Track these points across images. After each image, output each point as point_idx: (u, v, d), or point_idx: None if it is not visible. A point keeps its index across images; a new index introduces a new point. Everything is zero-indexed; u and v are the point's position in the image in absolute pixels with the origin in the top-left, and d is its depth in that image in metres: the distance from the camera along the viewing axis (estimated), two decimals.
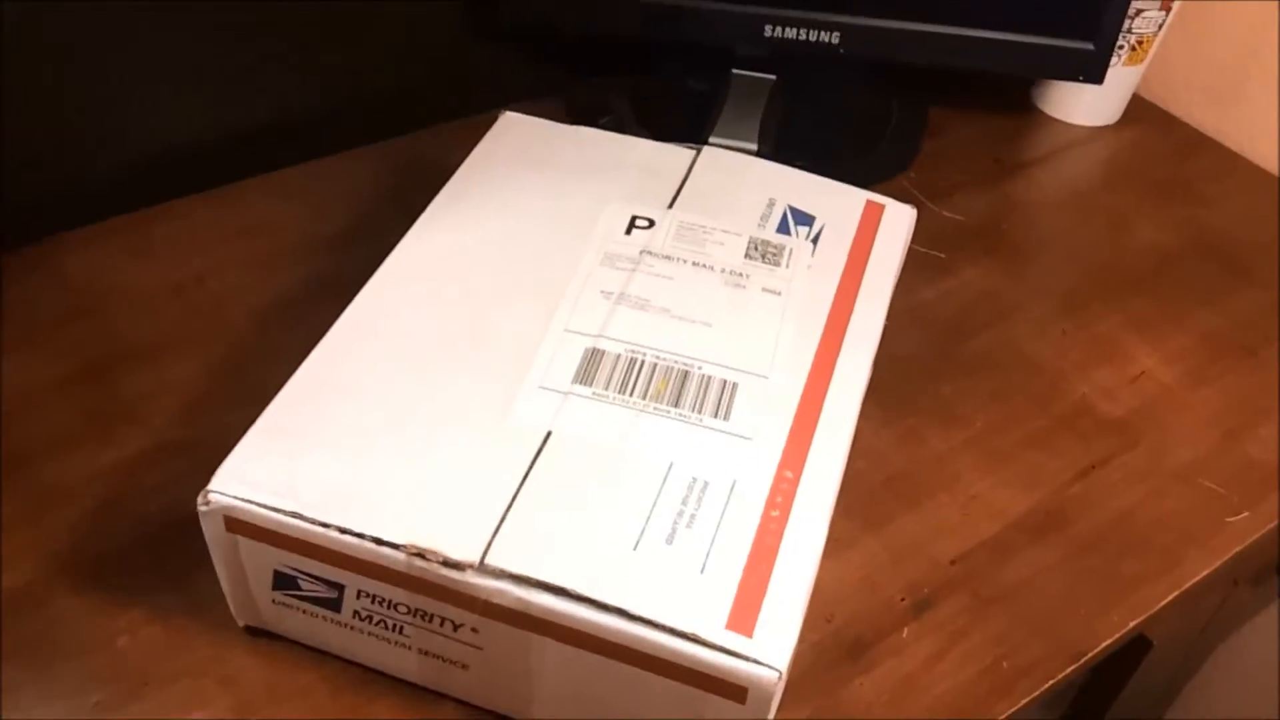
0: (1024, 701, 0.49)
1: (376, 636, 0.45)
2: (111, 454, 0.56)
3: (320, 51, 0.73)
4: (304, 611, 0.45)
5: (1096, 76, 0.71)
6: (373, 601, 0.43)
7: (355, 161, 0.74)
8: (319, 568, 0.43)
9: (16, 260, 0.65)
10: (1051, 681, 0.50)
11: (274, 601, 0.46)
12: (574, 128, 0.61)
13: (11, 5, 0.60)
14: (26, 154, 0.66)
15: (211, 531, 0.44)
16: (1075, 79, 0.72)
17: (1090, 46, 0.70)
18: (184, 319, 0.63)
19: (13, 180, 0.66)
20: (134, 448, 0.56)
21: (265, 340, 0.62)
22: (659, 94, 0.81)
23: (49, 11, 0.62)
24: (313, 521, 0.42)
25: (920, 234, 0.72)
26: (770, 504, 0.44)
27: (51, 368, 0.59)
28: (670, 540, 0.42)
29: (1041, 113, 0.85)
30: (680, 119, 0.77)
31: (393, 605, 0.43)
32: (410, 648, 0.45)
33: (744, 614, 0.40)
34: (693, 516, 0.43)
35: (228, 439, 0.44)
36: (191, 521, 0.43)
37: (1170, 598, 0.54)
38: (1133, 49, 0.79)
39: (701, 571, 0.41)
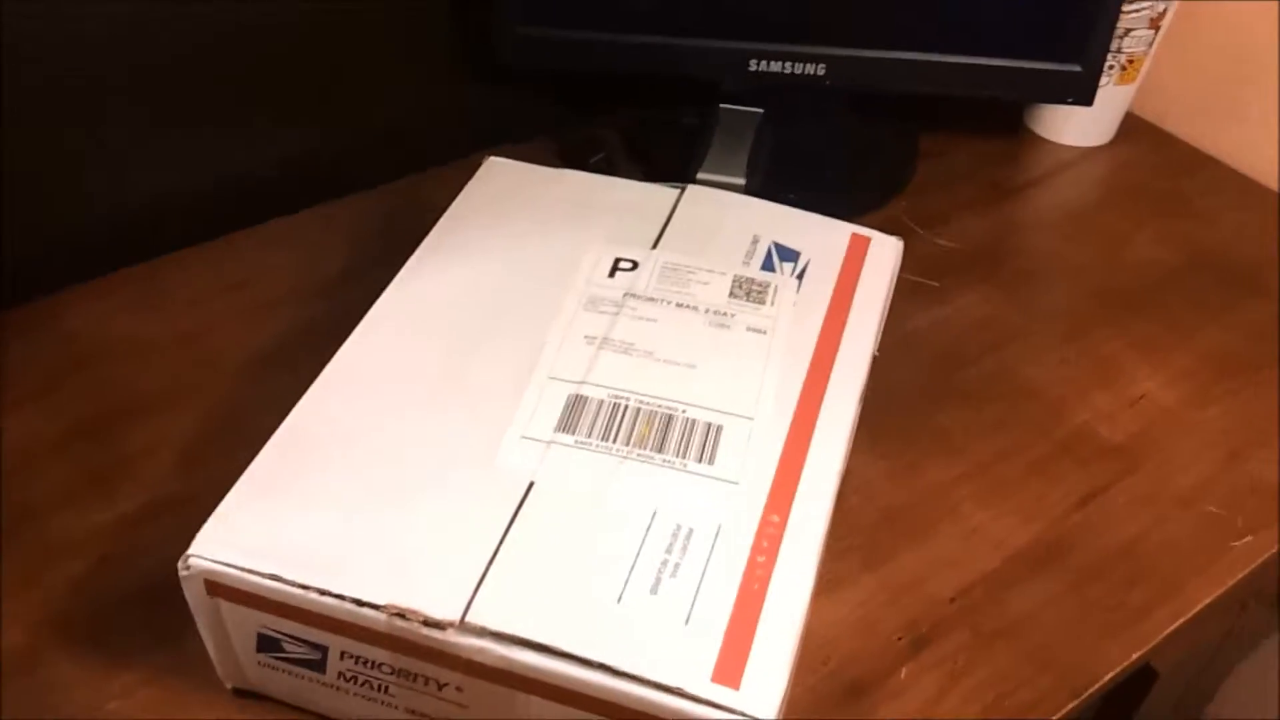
0: None
1: (363, 697, 0.44)
2: (108, 511, 0.55)
3: (312, 100, 0.74)
4: (289, 673, 0.45)
5: (1086, 98, 0.71)
6: (356, 662, 0.43)
7: (349, 208, 0.75)
8: (301, 629, 0.43)
9: (17, 316, 0.65)
10: (1055, 717, 0.49)
11: (259, 663, 0.45)
12: (558, 170, 0.61)
13: (8, 64, 0.61)
14: (26, 211, 0.66)
15: (193, 595, 0.43)
16: (1065, 101, 0.71)
17: (1078, 69, 0.69)
18: (182, 372, 0.63)
19: (13, 237, 0.66)
20: (131, 504, 0.56)
21: (262, 391, 0.62)
22: (650, 130, 0.81)
23: (47, 70, 0.63)
24: (292, 584, 0.41)
25: (913, 262, 0.71)
26: (756, 549, 0.43)
27: (51, 424, 0.59)
28: (655, 590, 0.41)
29: (1034, 134, 0.84)
30: (671, 154, 0.77)
31: (376, 665, 0.43)
32: (397, 707, 0.44)
33: (730, 665, 0.40)
34: (677, 565, 0.42)
35: (222, 494, 0.44)
36: None
37: (1175, 626, 0.53)
38: (1123, 68, 0.79)
39: (686, 622, 0.41)
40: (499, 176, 0.61)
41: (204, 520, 0.43)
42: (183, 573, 0.42)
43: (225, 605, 0.43)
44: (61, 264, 0.68)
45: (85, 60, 0.64)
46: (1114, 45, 0.77)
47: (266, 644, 0.44)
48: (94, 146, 0.67)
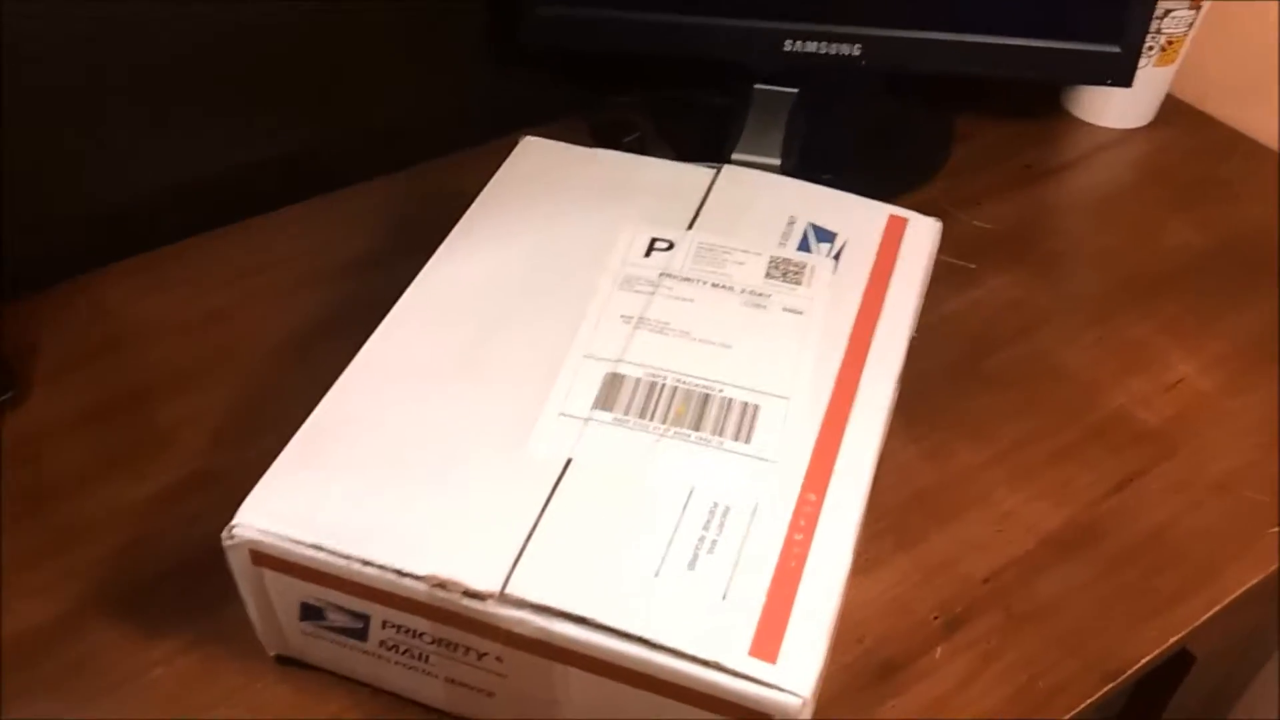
0: None
1: (403, 665, 0.45)
2: (142, 487, 0.56)
3: (340, 82, 0.74)
4: (331, 641, 0.46)
5: (1125, 79, 0.70)
6: (398, 631, 0.44)
7: (378, 191, 0.75)
8: (344, 599, 0.43)
9: (53, 294, 0.66)
10: (1088, 701, 0.49)
11: (302, 632, 0.46)
12: (592, 150, 0.61)
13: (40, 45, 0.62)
14: (61, 190, 0.67)
15: (237, 564, 0.44)
16: (1103, 83, 0.71)
17: (1117, 49, 0.69)
18: (211, 352, 0.63)
19: (47, 216, 0.67)
20: (164, 480, 0.57)
21: (290, 371, 0.62)
22: (682, 111, 0.81)
23: (80, 50, 0.63)
24: (335, 554, 0.42)
25: (949, 244, 0.71)
26: (794, 527, 0.44)
27: (82, 401, 0.60)
28: (692, 566, 0.42)
29: (1071, 116, 0.84)
30: (705, 135, 0.77)
31: (417, 635, 0.43)
32: (437, 676, 0.45)
33: (767, 640, 0.40)
34: (714, 542, 0.43)
35: (255, 470, 0.45)
36: (221, 552, 0.44)
37: (1211, 613, 0.53)
38: (1163, 49, 0.78)
39: (724, 597, 0.41)
40: (534, 156, 0.61)
41: (236, 495, 0.44)
42: (227, 542, 0.43)
43: (269, 574, 0.44)
44: (92, 244, 0.69)
45: (119, 50, 0.64)
46: (1153, 26, 0.76)
47: (309, 613, 0.45)
48: (115, 129, 0.68)
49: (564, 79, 0.83)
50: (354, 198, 0.74)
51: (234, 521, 0.43)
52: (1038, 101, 0.85)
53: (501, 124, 0.78)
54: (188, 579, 0.52)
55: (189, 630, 0.50)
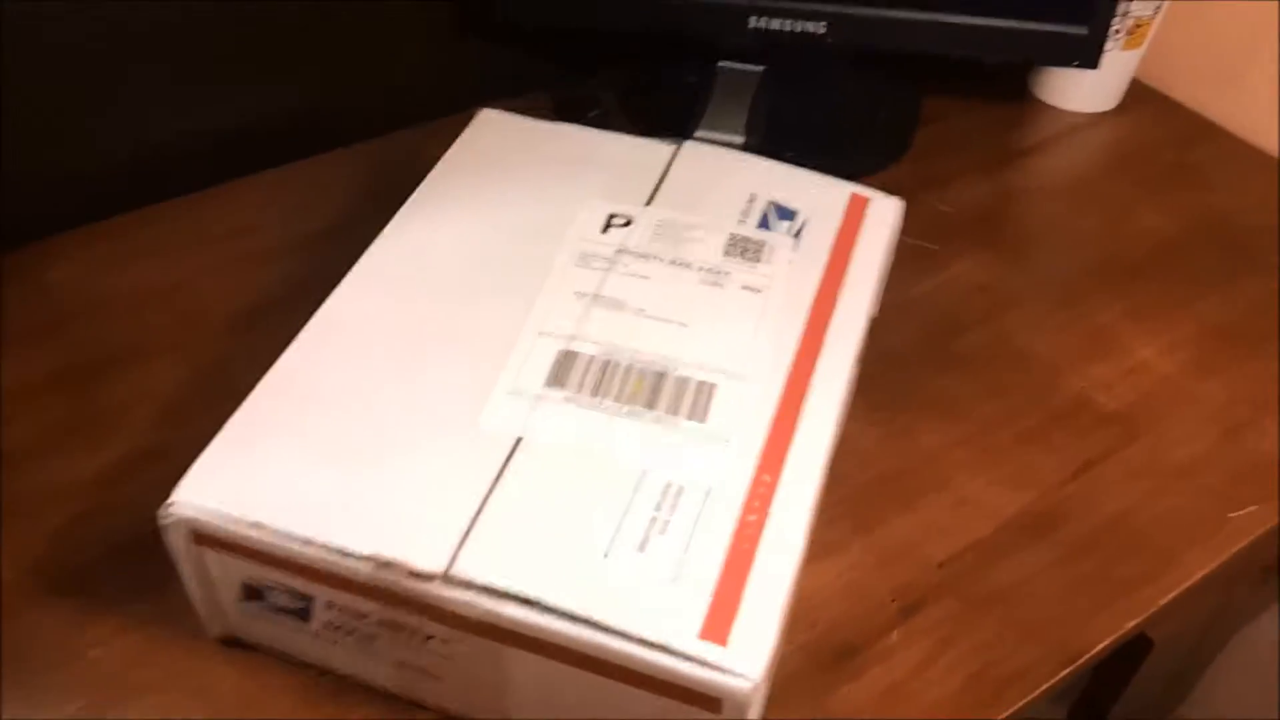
0: (1016, 707, 0.48)
1: (349, 647, 0.44)
2: (90, 461, 0.55)
3: (301, 51, 0.72)
4: (274, 623, 0.45)
5: (1091, 61, 0.70)
6: (342, 613, 0.42)
7: (339, 162, 0.74)
8: (286, 579, 0.42)
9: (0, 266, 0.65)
10: (1044, 686, 0.49)
11: (243, 613, 0.45)
12: (552, 124, 0.60)
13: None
14: (5, 160, 0.65)
15: (176, 543, 0.43)
16: (1070, 64, 0.70)
17: (1084, 31, 0.68)
18: (166, 323, 0.62)
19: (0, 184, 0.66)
20: (113, 455, 0.55)
21: (246, 343, 0.61)
22: (647, 87, 0.79)
23: (34, 19, 0.61)
24: (276, 532, 0.41)
25: (913, 225, 0.70)
26: (747, 508, 0.43)
27: (32, 374, 0.59)
28: (643, 547, 0.41)
29: (1038, 100, 0.83)
30: (669, 112, 0.75)
31: (362, 616, 0.42)
32: (383, 658, 0.44)
33: (718, 623, 0.39)
34: (666, 523, 0.42)
35: (205, 446, 0.44)
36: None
37: (1169, 597, 0.52)
38: (1130, 32, 0.77)
39: (675, 579, 0.40)
40: (492, 129, 0.60)
41: (182, 472, 0.42)
42: (163, 520, 0.42)
43: (209, 554, 0.43)
44: (43, 213, 0.67)
45: (83, 13, 0.63)
46: (1121, 8, 0.75)
47: (251, 593, 0.43)
48: (81, 97, 0.66)
49: (529, 54, 0.82)
50: (316, 168, 0.73)
51: (171, 499, 0.42)
52: (1005, 85, 0.84)
53: (466, 97, 0.76)
54: (130, 558, 0.51)
55: (130, 610, 0.49)
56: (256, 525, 0.41)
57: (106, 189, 0.69)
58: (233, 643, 0.47)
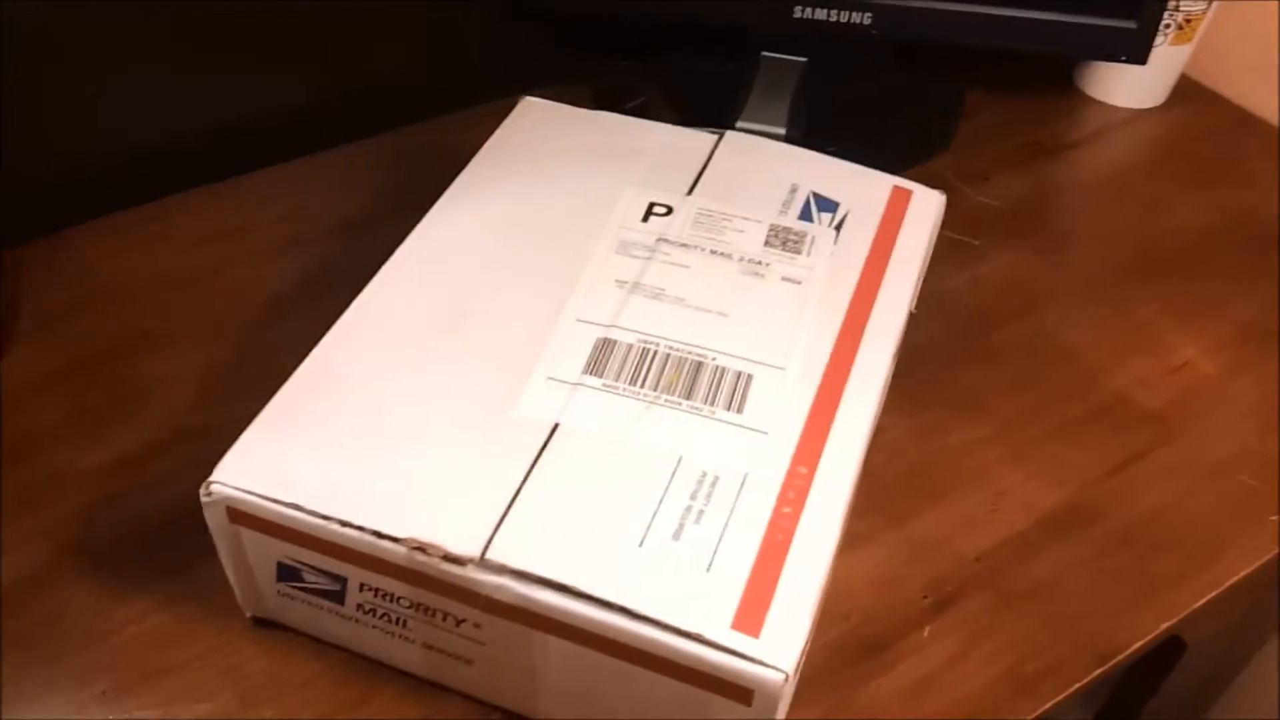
0: (1047, 705, 0.48)
1: (380, 630, 0.44)
2: (123, 443, 0.55)
3: (337, 38, 0.72)
4: (308, 603, 0.45)
5: (1140, 56, 0.69)
6: (375, 595, 0.43)
7: (376, 150, 0.74)
8: (321, 560, 0.42)
9: (32, 250, 0.65)
10: (1076, 685, 0.48)
11: (278, 593, 0.45)
12: (594, 112, 0.60)
13: (21, 3, 0.60)
14: (42, 145, 0.66)
15: (215, 522, 0.43)
16: (1117, 59, 0.69)
17: (1133, 25, 0.67)
18: (199, 309, 0.62)
19: (28, 171, 0.66)
20: (146, 437, 0.56)
21: (279, 329, 0.61)
22: (687, 78, 0.79)
23: (61, 5, 0.62)
24: (313, 514, 0.41)
25: (953, 219, 0.70)
26: (782, 499, 0.43)
27: (66, 355, 0.59)
28: (677, 536, 0.41)
29: (1083, 94, 0.82)
30: (709, 102, 0.75)
31: (395, 599, 0.42)
32: (414, 641, 0.44)
33: (751, 613, 0.39)
34: (701, 512, 0.42)
35: (238, 428, 0.44)
36: (197, 512, 0.43)
37: (1205, 599, 0.52)
38: (1180, 27, 0.76)
39: (708, 569, 0.40)
40: (534, 117, 0.60)
41: (218, 454, 0.43)
42: (204, 499, 0.42)
43: (246, 534, 0.43)
44: (74, 200, 0.68)
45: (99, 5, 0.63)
46: (1171, 3, 0.74)
47: (286, 573, 0.44)
48: (105, 85, 0.66)
49: (567, 42, 0.82)
50: (349, 156, 0.73)
51: (211, 478, 0.42)
52: (1049, 78, 0.84)
53: (502, 86, 0.76)
54: (163, 538, 0.51)
55: (163, 589, 0.49)
56: (295, 506, 0.41)
57: (138, 175, 0.70)
58: (265, 623, 0.48)
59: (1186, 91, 0.82)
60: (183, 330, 0.61)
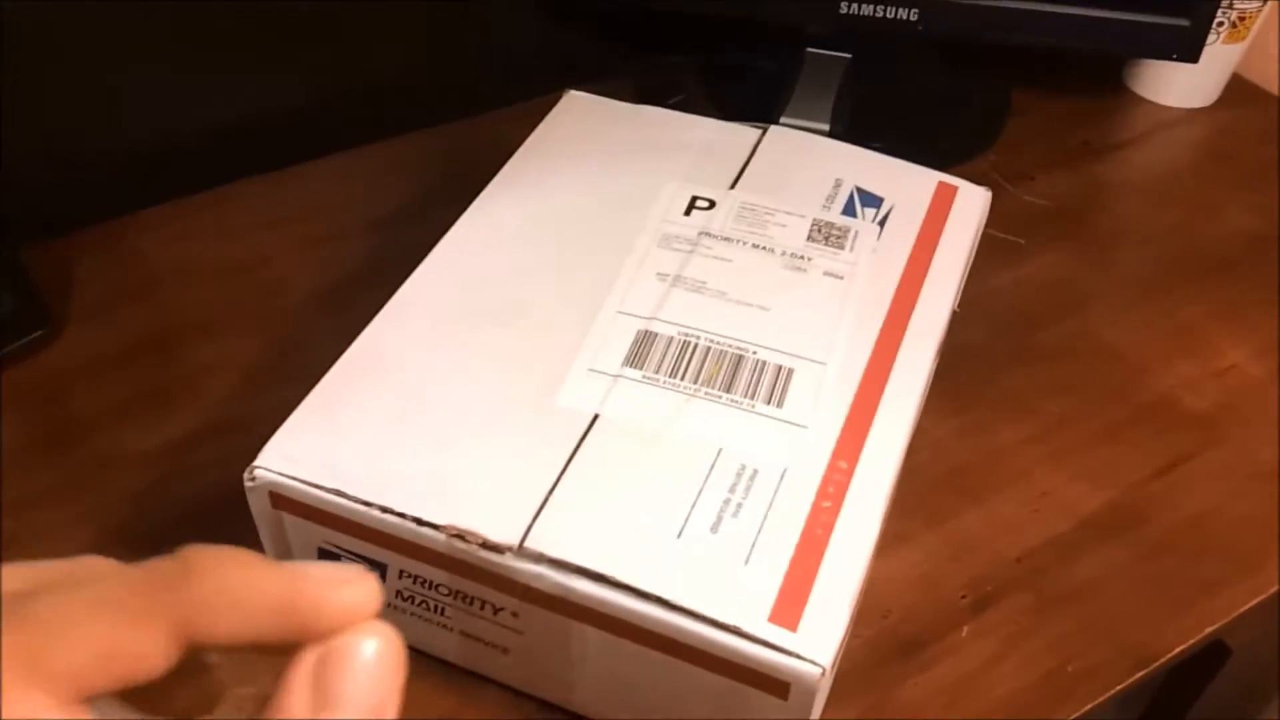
0: (1086, 708, 0.47)
1: (418, 617, 0.45)
2: (169, 429, 0.56)
3: (387, 31, 0.73)
4: None
5: (1191, 55, 0.68)
6: (414, 582, 0.43)
7: (420, 143, 0.74)
8: (361, 546, 0.43)
9: (84, 238, 0.66)
10: (1117, 688, 0.48)
11: None
12: (637, 106, 0.60)
13: None
14: (92, 137, 0.67)
15: (257, 507, 0.44)
16: (1169, 57, 0.68)
17: (1185, 23, 0.66)
18: (244, 298, 0.63)
19: (77, 160, 0.67)
20: (191, 423, 0.57)
21: (323, 319, 0.62)
22: (730, 73, 0.79)
23: None
24: (354, 500, 0.41)
25: (998, 218, 0.69)
26: (822, 494, 0.42)
27: (114, 342, 0.60)
28: (715, 528, 0.41)
29: (1133, 93, 0.81)
30: (752, 98, 0.75)
31: (434, 586, 0.43)
32: (451, 629, 0.44)
33: (789, 607, 0.39)
34: (740, 505, 0.42)
35: (280, 417, 0.44)
36: (240, 498, 0.43)
37: (1250, 604, 0.51)
38: (1233, 25, 0.75)
39: (746, 562, 0.40)
40: (579, 110, 0.60)
41: (263, 440, 0.43)
42: (248, 484, 0.43)
43: (288, 519, 0.43)
44: (127, 189, 0.69)
45: None
46: (1225, 1, 0.73)
47: (327, 559, 0.44)
48: (154, 76, 0.67)
49: (611, 38, 0.82)
50: (396, 149, 0.74)
51: (255, 463, 0.42)
52: (1098, 77, 0.83)
53: (545, 81, 0.77)
54: (208, 522, 0.52)
55: None
56: (336, 492, 0.41)
57: (184, 166, 0.71)
58: None
59: (1239, 91, 0.81)
60: (230, 319, 0.62)
